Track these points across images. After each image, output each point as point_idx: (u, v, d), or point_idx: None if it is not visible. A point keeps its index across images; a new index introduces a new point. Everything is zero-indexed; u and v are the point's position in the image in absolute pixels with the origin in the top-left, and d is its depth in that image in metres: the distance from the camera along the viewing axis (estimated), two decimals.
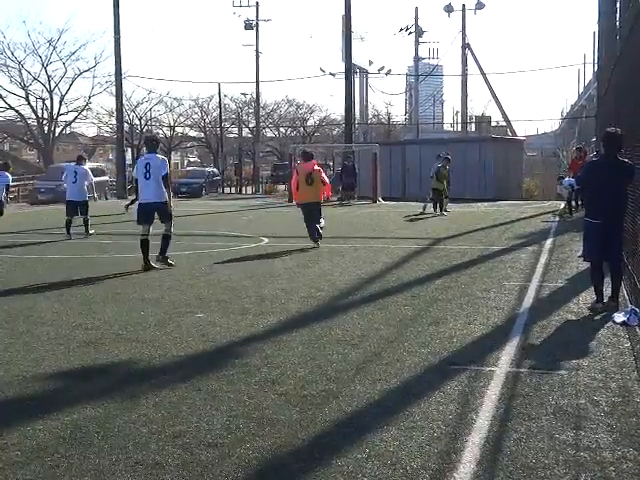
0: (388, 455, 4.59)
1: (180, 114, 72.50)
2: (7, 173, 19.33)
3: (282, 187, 53.36)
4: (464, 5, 62.24)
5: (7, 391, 5.95)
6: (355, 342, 7.38)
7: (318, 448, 4.73)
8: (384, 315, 8.67)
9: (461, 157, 37.46)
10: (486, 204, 31.12)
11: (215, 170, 58.64)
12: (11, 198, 49.03)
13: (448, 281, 11.14)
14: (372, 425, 5.08)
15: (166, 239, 12.78)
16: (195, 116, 73.77)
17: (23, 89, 58.20)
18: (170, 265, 12.69)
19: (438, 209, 25.62)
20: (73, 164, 19.43)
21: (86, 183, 18.93)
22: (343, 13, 43.47)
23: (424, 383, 6.06)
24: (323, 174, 16.25)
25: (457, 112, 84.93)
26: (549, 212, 24.62)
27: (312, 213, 15.82)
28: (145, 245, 12.56)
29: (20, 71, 57.57)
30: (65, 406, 5.53)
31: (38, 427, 5.10)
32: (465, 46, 62.36)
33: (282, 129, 79.04)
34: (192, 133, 78.66)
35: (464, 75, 63.89)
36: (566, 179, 25.12)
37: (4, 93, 58.01)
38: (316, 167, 16.22)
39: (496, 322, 8.30)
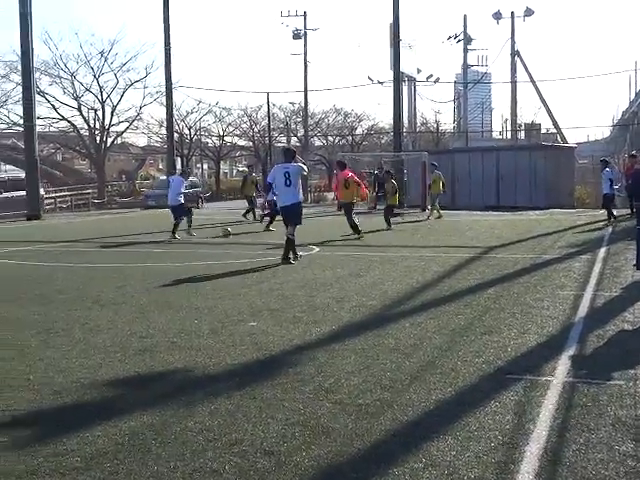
0: (445, 465, 4.56)
1: (229, 123, 73.07)
2: (182, 178, 22.19)
3: (331, 196, 53.34)
4: (513, 12, 61.75)
5: (66, 398, 6.04)
6: (408, 351, 7.35)
7: (374, 457, 4.73)
8: (437, 324, 8.62)
9: (511, 165, 37.21)
10: (537, 212, 30.81)
11: (195, 180, 52.25)
12: (65, 207, 49.98)
13: (500, 290, 11.05)
14: (428, 434, 5.05)
15: (290, 242, 14.56)
16: (244, 125, 74.26)
17: (76, 100, 59.25)
18: (291, 263, 14.34)
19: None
20: (177, 176, 22.63)
21: (179, 190, 21.16)
22: (391, 21, 43.38)
23: (479, 392, 6.02)
24: (356, 178, 20.92)
25: (506, 120, 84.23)
26: (602, 220, 24.29)
27: (348, 211, 20.37)
28: (291, 242, 14.49)
29: (73, 82, 58.68)
30: (122, 413, 5.59)
31: (97, 433, 5.16)
32: (514, 53, 61.86)
33: (330, 138, 79.11)
34: (241, 142, 79.18)
35: (513, 82, 63.40)
36: (607, 170, 25.10)
37: (57, 104, 59.11)
38: (350, 174, 21.02)
39: (551, 331, 8.21)
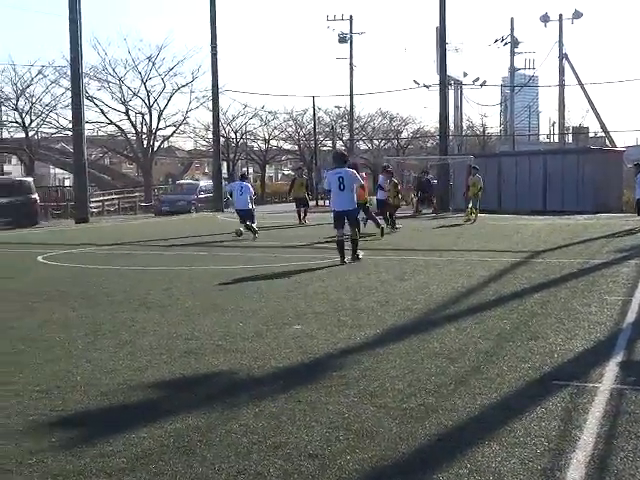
0: (490, 471, 4.52)
1: (275, 127, 73.34)
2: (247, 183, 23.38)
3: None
4: (561, 15, 61.23)
5: (112, 399, 6.10)
6: (453, 356, 7.31)
7: (418, 462, 4.70)
8: (482, 329, 8.56)
9: (558, 169, 36.84)
10: (585, 216, 30.45)
11: (210, 184, 51.14)
12: (112, 210, 50.59)
13: (547, 295, 10.94)
14: (473, 440, 5.02)
15: (355, 242, 15.37)
16: (289, 129, 74.49)
17: (123, 104, 59.89)
18: (359, 260, 15.23)
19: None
20: (239, 181, 23.60)
21: (249, 195, 22.26)
22: (437, 25, 43.28)
23: (525, 398, 5.96)
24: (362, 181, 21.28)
25: (554, 123, 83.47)
26: None
27: (365, 211, 21.59)
28: (340, 245, 15.13)
29: (121, 87, 59.31)
30: (168, 415, 5.63)
31: (142, 435, 5.20)
32: (562, 56, 61.28)
33: (376, 141, 79.04)
34: (286, 146, 79.45)
35: (561, 85, 62.80)
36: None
37: (106, 109, 59.82)
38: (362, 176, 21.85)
39: (598, 337, 8.10)
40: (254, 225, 21.91)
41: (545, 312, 9.55)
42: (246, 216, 22.07)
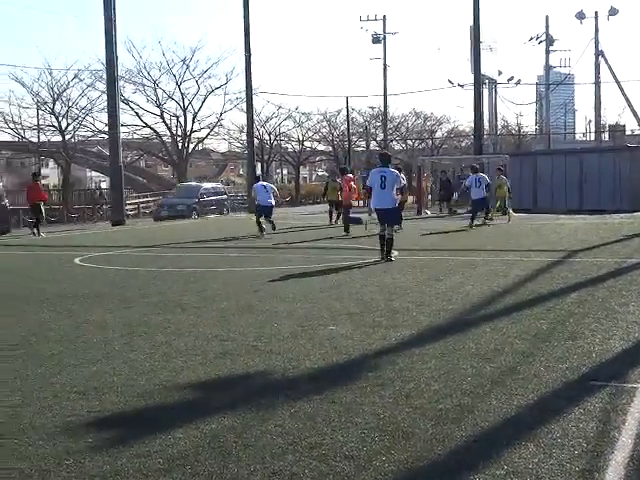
0: (527, 472, 4.48)
1: (309, 128, 73.48)
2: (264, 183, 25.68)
3: (410, 198, 53.05)
4: (596, 12, 60.72)
5: (148, 400, 6.13)
6: (489, 356, 7.26)
7: (454, 463, 4.67)
8: (518, 329, 8.49)
9: (595, 167, 36.47)
10: (622, 215, 30.14)
11: (219, 186, 51.28)
12: (147, 212, 50.93)
13: (584, 294, 10.83)
14: (509, 441, 4.97)
15: (389, 241, 15.54)
16: (323, 130, 74.56)
17: (158, 107, 60.33)
18: (392, 260, 15.33)
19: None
20: (261, 182, 25.32)
21: (272, 193, 24.52)
22: (471, 24, 43.10)
23: (563, 399, 5.90)
24: (351, 183, 25.98)
25: (590, 121, 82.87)
26: None
27: (347, 212, 24.28)
28: (383, 239, 15.54)
29: (155, 90, 59.73)
30: (204, 415, 5.65)
31: (179, 435, 5.22)
32: (598, 53, 60.75)
33: (410, 142, 78.83)
34: (320, 147, 79.53)
35: (597, 83, 62.24)
36: None
37: (141, 112, 60.27)
38: (350, 179, 26.26)
39: (637, 337, 8.00)
40: (272, 219, 24.45)
41: (582, 312, 9.45)
42: (267, 212, 24.19)
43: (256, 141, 57.08)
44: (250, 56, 45.33)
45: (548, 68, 67.52)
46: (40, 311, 10.45)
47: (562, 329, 8.45)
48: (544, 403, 5.81)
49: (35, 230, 28.96)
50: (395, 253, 15.82)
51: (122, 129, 42.53)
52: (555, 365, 6.87)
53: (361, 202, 38.00)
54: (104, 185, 73.61)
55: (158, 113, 60.52)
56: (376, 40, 65.14)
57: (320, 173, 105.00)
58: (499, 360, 7.11)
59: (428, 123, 78.71)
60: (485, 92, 55.74)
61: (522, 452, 4.78)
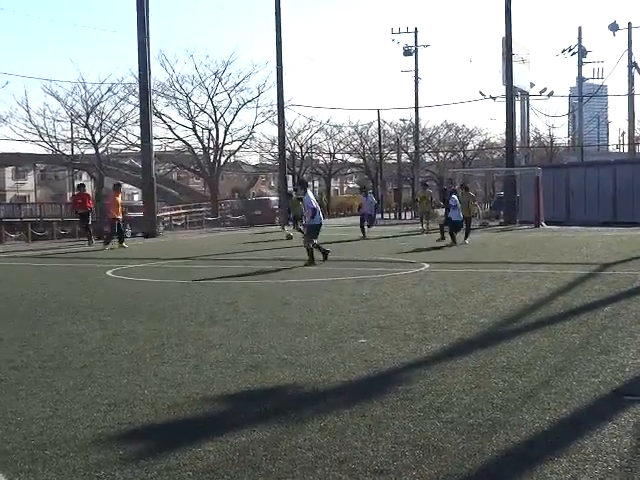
0: None
1: (340, 141, 73.68)
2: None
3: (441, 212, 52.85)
4: (630, 23, 60.37)
5: (178, 412, 6.14)
6: (521, 370, 7.19)
7: (486, 478, 4.63)
8: (551, 342, 8.41)
9: (629, 179, 36.17)
10: None
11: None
12: (179, 225, 51.20)
13: (618, 308, 10.71)
14: (541, 456, 4.92)
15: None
16: (354, 143, 74.74)
17: (190, 120, 60.74)
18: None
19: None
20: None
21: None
22: (503, 35, 42.95)
23: (596, 414, 5.83)
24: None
25: (623, 133, 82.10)
26: None
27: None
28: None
29: (188, 103, 60.14)
30: (233, 428, 5.64)
31: (208, 448, 5.22)
32: (632, 65, 60.32)
33: (441, 154, 78.69)
34: (351, 159, 79.62)
35: (631, 95, 61.74)
36: None
37: (173, 125, 60.73)
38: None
39: None
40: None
41: (616, 325, 9.35)
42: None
43: (287, 153, 57.24)
44: (282, 69, 45.48)
45: (581, 80, 67.16)
46: (72, 323, 10.52)
47: (595, 343, 8.35)
48: (577, 418, 5.75)
49: (90, 241, 28.75)
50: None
51: (155, 142, 42.78)
52: (588, 379, 6.79)
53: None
54: (136, 198, 74.15)
55: (190, 126, 61.00)
56: (407, 52, 65.10)
57: (351, 185, 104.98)
58: (531, 374, 7.04)
59: (460, 135, 78.65)
60: (517, 104, 55.53)
61: (554, 467, 4.73)
